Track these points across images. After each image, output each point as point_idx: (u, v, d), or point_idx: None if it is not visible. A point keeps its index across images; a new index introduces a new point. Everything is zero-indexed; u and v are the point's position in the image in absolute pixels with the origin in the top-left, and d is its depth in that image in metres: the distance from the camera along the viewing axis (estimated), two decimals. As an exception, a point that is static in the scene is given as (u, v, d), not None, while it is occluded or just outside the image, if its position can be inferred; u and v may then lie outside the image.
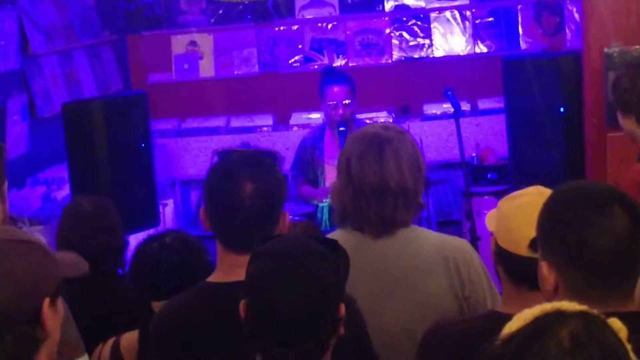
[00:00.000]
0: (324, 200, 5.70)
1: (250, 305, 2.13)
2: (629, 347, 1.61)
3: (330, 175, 5.54)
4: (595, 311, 1.64)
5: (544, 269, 2.11)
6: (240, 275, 2.22)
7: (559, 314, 1.61)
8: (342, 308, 2.14)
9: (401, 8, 7.35)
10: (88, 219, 3.62)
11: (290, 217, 5.86)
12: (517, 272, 2.46)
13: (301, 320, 2.08)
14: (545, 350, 1.54)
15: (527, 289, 2.38)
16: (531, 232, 2.30)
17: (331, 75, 5.87)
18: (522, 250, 2.40)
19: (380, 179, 2.94)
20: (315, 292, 2.10)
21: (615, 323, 1.64)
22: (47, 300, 2.02)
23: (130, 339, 3.11)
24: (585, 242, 2.04)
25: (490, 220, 2.59)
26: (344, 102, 5.62)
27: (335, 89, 5.66)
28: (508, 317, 1.99)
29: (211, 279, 2.64)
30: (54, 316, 2.06)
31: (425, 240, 3.02)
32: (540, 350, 1.55)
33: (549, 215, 2.14)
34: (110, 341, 3.14)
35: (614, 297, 2.05)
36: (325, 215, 5.64)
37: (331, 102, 5.64)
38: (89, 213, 3.65)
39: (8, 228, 2.19)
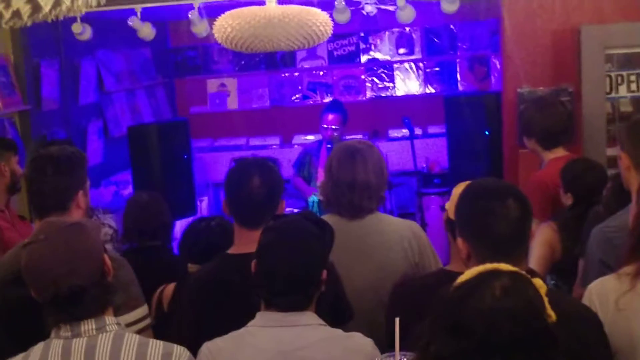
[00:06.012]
0: (312, 195, 5.74)
1: (259, 265, 2.15)
2: (546, 299, 1.59)
3: (321, 176, 5.56)
4: (523, 272, 1.62)
5: (459, 243, 2.11)
6: (250, 248, 2.24)
7: (496, 271, 1.60)
8: (325, 273, 2.16)
9: (373, 60, 7.34)
10: (146, 204, 3.65)
11: (291, 209, 5.91)
12: None
13: (294, 279, 2.11)
14: (482, 296, 1.54)
15: None
16: None
17: (331, 105, 5.85)
18: None
19: (352, 177, 2.96)
20: (306, 260, 2.12)
21: (538, 282, 1.62)
22: (105, 256, 2.00)
23: (169, 289, 3.11)
24: (488, 226, 2.04)
25: (450, 207, 2.53)
26: (332, 127, 5.64)
27: (330, 116, 5.65)
28: (453, 273, 1.97)
29: (230, 251, 2.65)
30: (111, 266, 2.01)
31: (387, 223, 3.03)
32: (478, 296, 1.55)
33: (461, 206, 2.14)
34: (160, 289, 3.15)
35: (510, 262, 2.04)
36: (315, 208, 5.63)
37: (324, 125, 5.66)
38: (146, 200, 3.68)
39: (55, 219, 2.10)
